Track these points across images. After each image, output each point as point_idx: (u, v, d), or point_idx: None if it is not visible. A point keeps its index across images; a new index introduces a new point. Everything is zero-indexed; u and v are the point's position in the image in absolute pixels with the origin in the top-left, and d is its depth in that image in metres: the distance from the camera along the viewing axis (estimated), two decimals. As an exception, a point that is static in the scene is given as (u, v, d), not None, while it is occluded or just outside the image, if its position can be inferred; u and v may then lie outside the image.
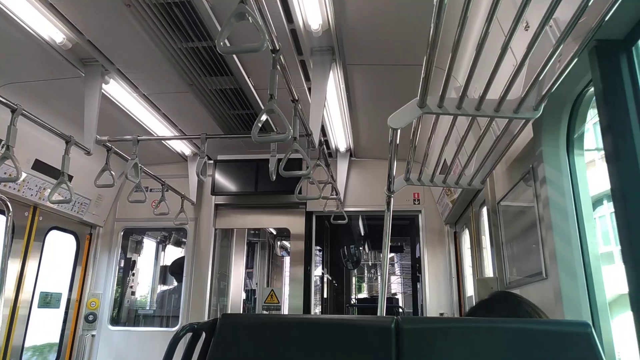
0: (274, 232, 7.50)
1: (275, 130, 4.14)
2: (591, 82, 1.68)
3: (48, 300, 4.89)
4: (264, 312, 5.02)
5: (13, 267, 4.03)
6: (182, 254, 5.86)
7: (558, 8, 1.24)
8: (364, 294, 13.67)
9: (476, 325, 1.29)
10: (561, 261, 1.85)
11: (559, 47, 1.34)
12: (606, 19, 1.25)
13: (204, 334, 1.40)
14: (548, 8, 1.24)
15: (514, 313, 1.51)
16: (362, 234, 7.89)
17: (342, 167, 4.99)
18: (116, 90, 3.54)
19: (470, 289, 4.40)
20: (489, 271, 3.55)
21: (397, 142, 2.03)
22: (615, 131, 1.46)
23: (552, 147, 1.98)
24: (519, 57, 1.48)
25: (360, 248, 8.12)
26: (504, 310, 1.53)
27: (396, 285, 12.54)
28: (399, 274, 11.97)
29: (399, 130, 1.87)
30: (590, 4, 1.17)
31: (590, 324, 1.21)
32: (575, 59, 1.38)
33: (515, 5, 1.29)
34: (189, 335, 1.40)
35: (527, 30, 1.73)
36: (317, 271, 6.05)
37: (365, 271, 12.92)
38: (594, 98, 1.74)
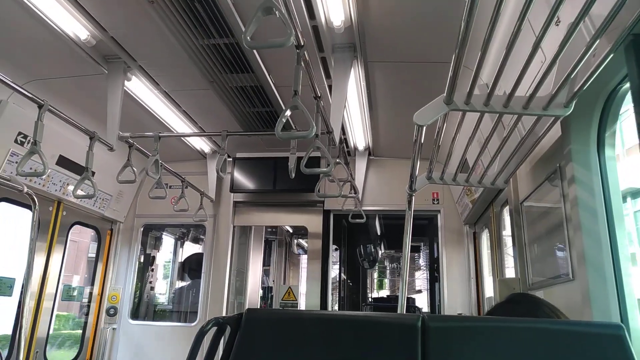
0: (291, 230, 7.51)
1: (295, 127, 4.14)
2: (625, 78, 1.63)
3: (72, 294, 4.99)
4: (282, 309, 5.03)
5: (38, 260, 4.11)
6: (200, 251, 5.92)
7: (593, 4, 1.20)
8: (385, 291, 13.47)
9: (502, 324, 1.27)
10: (590, 262, 1.80)
11: (594, 43, 1.31)
12: (644, 12, 1.21)
13: (228, 329, 1.42)
14: (584, 4, 1.21)
15: (532, 314, 1.48)
16: (379, 234, 7.85)
17: (360, 165, 4.97)
18: (138, 87, 3.58)
19: (488, 290, 4.34)
20: (509, 272, 3.50)
21: (422, 140, 2.00)
22: (652, 129, 1.41)
23: (582, 146, 1.93)
24: (549, 54, 1.45)
25: (377, 247, 8.08)
26: (522, 311, 1.51)
27: (422, 281, 12.26)
28: (424, 268, 11.63)
29: (424, 128, 1.84)
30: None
31: (623, 326, 1.18)
32: (611, 55, 1.34)
33: (548, 2, 1.26)
34: (214, 329, 1.41)
35: (557, 25, 1.69)
36: (335, 270, 6.04)
37: (387, 264, 12.65)
38: (628, 94, 1.69)
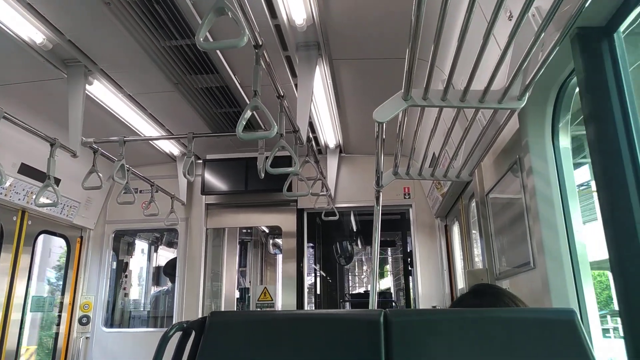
0: (267, 230, 7.48)
1: (263, 127, 4.12)
2: (574, 70, 1.68)
3: (41, 304, 4.86)
4: (258, 309, 5.01)
5: (3, 272, 3.99)
6: (175, 255, 5.84)
7: (538, -4, 1.23)
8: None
9: (464, 315, 1.30)
10: (548, 251, 1.86)
11: (540, 35, 1.34)
12: (586, 5, 1.25)
13: (193, 333, 1.40)
14: (528, -4, 1.23)
15: (494, 305, 1.52)
16: (355, 230, 7.90)
17: (332, 163, 4.99)
18: (100, 90, 3.50)
19: (461, 282, 4.42)
20: (479, 263, 3.56)
21: (384, 136, 2.02)
22: (598, 120, 1.46)
23: (538, 137, 1.98)
24: (502, 47, 1.48)
25: (353, 244, 8.12)
26: (485, 302, 1.54)
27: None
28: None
29: (384, 124, 1.86)
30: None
31: (577, 311, 1.21)
32: (557, 47, 1.38)
33: (496, -6, 1.28)
34: (179, 334, 1.39)
35: (510, 19, 1.73)
36: (310, 268, 6.05)
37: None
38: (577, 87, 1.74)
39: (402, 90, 1.73)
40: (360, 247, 9.32)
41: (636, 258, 1.31)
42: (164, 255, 6.88)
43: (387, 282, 13.60)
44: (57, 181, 4.07)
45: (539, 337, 1.20)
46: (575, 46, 1.52)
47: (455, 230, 4.53)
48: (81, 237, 5.07)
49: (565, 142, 1.94)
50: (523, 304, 1.54)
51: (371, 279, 2.87)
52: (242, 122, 1.86)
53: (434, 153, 2.85)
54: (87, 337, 4.81)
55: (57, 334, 4.78)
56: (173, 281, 5.45)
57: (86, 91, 3.28)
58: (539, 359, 1.18)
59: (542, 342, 1.18)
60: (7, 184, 3.76)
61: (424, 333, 1.26)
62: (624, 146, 1.37)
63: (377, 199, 2.75)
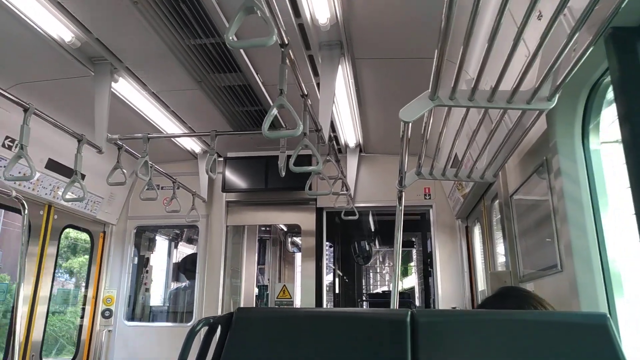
0: (285, 229, 7.51)
1: (284, 126, 4.13)
2: (607, 71, 1.64)
3: (66, 297, 4.98)
4: (277, 307, 5.04)
5: (30, 264, 4.09)
6: (195, 252, 5.91)
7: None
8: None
9: (491, 317, 1.28)
10: (577, 253, 1.82)
11: (574, 36, 1.32)
12: (622, 5, 1.23)
13: (219, 328, 1.42)
14: (562, -4, 1.21)
15: (520, 307, 1.50)
16: (373, 230, 7.88)
17: (351, 162, 4.98)
18: (125, 88, 3.56)
19: (482, 283, 4.37)
20: (501, 265, 3.52)
21: (409, 135, 2.01)
22: (633, 120, 1.43)
23: (567, 138, 1.94)
24: (532, 48, 1.46)
25: (371, 244, 8.10)
26: (510, 304, 1.52)
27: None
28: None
29: (410, 124, 1.85)
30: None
31: (608, 315, 1.19)
32: (591, 48, 1.36)
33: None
34: (205, 329, 1.41)
35: (540, 19, 1.70)
36: (328, 267, 6.05)
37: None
38: (610, 87, 1.71)
39: (429, 90, 1.72)
40: (378, 247, 9.28)
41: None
42: (184, 251, 6.97)
43: (411, 280, 13.38)
44: (82, 177, 4.16)
45: (569, 341, 1.18)
46: (609, 46, 1.49)
47: (477, 231, 4.48)
48: (104, 232, 5.17)
49: (595, 143, 1.90)
50: (551, 307, 1.52)
51: (393, 278, 2.86)
52: (268, 120, 1.87)
53: (456, 154, 2.83)
54: (109, 330, 4.90)
55: (80, 326, 4.88)
56: (189, 277, 5.52)
57: (111, 89, 3.34)
58: (568, 364, 1.17)
59: (572, 346, 1.16)
60: (35, 178, 3.85)
61: (451, 334, 1.25)
62: (661, 148, 1.34)
63: (400, 199, 2.73)
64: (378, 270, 14.21)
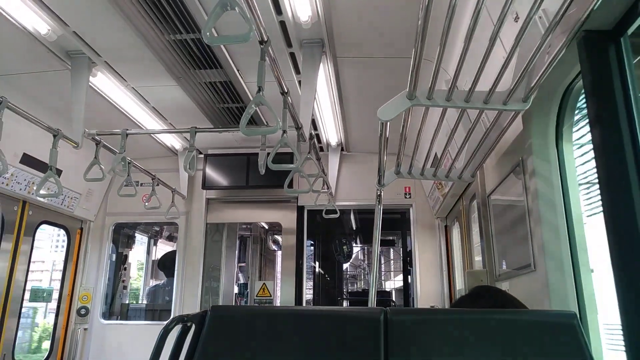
0: (266, 227, 7.49)
1: (266, 123, 4.11)
2: (580, 73, 1.67)
3: (40, 295, 4.88)
4: (256, 305, 5.02)
5: (3, 261, 4.00)
6: (170, 249, 5.85)
7: (546, -2, 1.23)
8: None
9: (463, 316, 1.30)
10: (549, 253, 1.86)
11: (547, 37, 1.34)
12: (594, 9, 1.25)
13: (193, 326, 1.40)
14: (536, -2, 1.23)
15: (493, 306, 1.52)
16: (354, 228, 7.90)
17: (333, 161, 4.98)
18: (104, 83, 3.49)
19: (460, 282, 4.43)
20: (479, 264, 3.57)
21: (387, 134, 2.02)
22: (603, 123, 1.46)
23: (542, 139, 1.98)
24: (509, 49, 1.47)
25: (352, 242, 8.13)
26: (484, 303, 1.55)
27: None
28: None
29: (388, 123, 1.86)
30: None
31: (577, 314, 1.22)
32: (564, 50, 1.38)
33: (504, -4, 1.28)
34: (179, 327, 1.40)
35: (517, 21, 1.72)
36: (309, 265, 6.05)
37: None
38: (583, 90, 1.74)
39: (407, 90, 1.72)
40: (359, 245, 9.32)
41: (638, 260, 1.31)
42: (163, 249, 6.89)
43: (393, 279, 13.47)
44: (59, 172, 4.07)
45: (538, 339, 1.20)
46: (581, 49, 1.52)
47: (456, 230, 4.53)
48: (81, 229, 5.07)
49: (568, 145, 1.93)
50: (523, 306, 1.54)
51: (370, 277, 2.88)
52: (245, 118, 1.86)
53: (436, 153, 2.85)
54: (85, 329, 4.82)
55: (55, 324, 4.79)
56: (168, 275, 5.46)
57: (89, 83, 3.28)
58: (537, 361, 1.19)
59: (541, 344, 1.19)
60: (9, 174, 3.76)
61: (424, 332, 1.26)
62: (629, 150, 1.37)
63: (379, 197, 2.75)
64: (362, 268, 14.28)
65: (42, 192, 2.96)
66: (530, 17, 1.30)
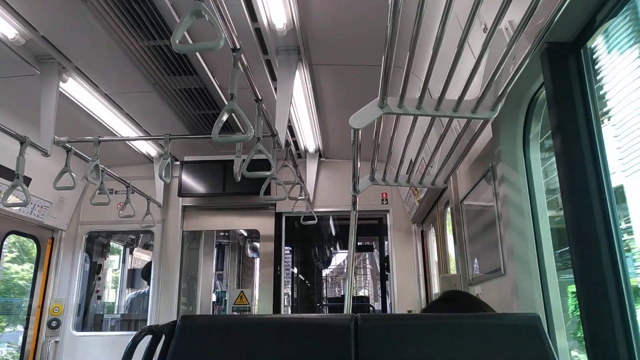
0: (245, 234, 7.44)
1: (242, 130, 4.10)
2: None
3: (8, 308, 4.72)
4: (234, 313, 4.97)
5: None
6: (150, 257, 5.75)
7: (511, 9, 1.27)
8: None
9: (432, 321, 1.32)
10: (518, 257, 1.90)
11: (511, 48, 1.38)
12: (555, 20, 1.29)
13: (163, 337, 1.38)
14: (499, 8, 1.27)
15: (463, 311, 1.55)
16: (333, 234, 7.92)
17: (311, 167, 4.99)
18: (75, 89, 3.43)
19: (437, 287, 4.47)
20: (454, 269, 3.61)
21: (360, 142, 2.04)
22: (564, 132, 1.51)
23: (510, 147, 2.03)
24: (477, 58, 1.51)
25: (331, 248, 8.14)
26: (455, 308, 1.57)
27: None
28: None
29: (360, 131, 1.88)
30: (539, 5, 1.21)
31: (542, 316, 1.25)
32: (527, 60, 1.42)
33: (471, 4, 1.31)
34: (150, 338, 1.37)
35: (485, 32, 1.77)
36: (288, 271, 6.03)
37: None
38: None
39: (378, 98, 1.75)
40: (338, 251, 9.34)
41: (598, 266, 1.35)
42: (139, 257, 6.77)
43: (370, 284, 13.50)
44: (28, 180, 3.97)
45: (505, 342, 1.23)
46: (544, 60, 1.57)
47: (432, 236, 4.59)
48: (52, 238, 4.95)
49: (535, 152, 1.99)
50: (491, 309, 1.57)
51: (347, 283, 2.89)
52: (218, 125, 1.85)
53: (410, 160, 2.89)
54: (56, 341, 4.69)
55: (25, 337, 4.64)
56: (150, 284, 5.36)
57: (60, 89, 3.21)
58: (505, 363, 1.21)
59: (508, 346, 1.21)
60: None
61: (394, 338, 1.28)
62: (588, 158, 1.42)
63: (354, 204, 2.77)
64: (341, 275, 14.31)
65: (9, 200, 2.88)
66: (495, 26, 1.34)
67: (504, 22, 1.45)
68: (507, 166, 2.02)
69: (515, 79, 1.52)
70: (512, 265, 1.93)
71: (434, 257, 4.54)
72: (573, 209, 1.43)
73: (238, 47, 1.91)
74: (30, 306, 4.70)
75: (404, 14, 1.33)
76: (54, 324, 4.69)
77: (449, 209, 3.56)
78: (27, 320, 4.68)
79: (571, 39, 1.54)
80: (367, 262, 12.58)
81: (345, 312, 2.86)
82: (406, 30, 1.42)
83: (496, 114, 1.74)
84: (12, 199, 2.93)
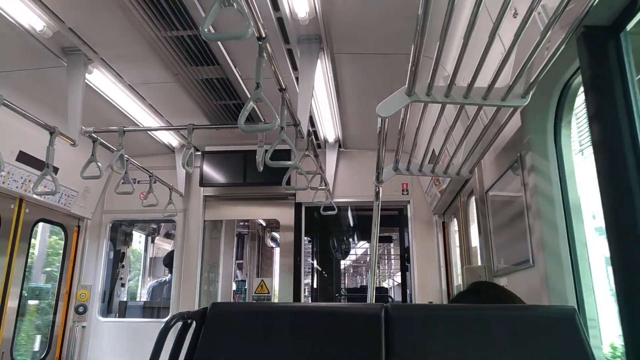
0: (264, 224, 7.48)
1: (263, 120, 4.10)
2: (579, 69, 1.68)
3: (37, 293, 4.86)
4: (254, 302, 5.02)
5: (0, 260, 3.98)
6: (171, 246, 5.83)
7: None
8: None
9: (463, 312, 1.30)
10: (548, 248, 1.86)
11: (547, 34, 1.34)
12: (594, 4, 1.25)
13: (194, 323, 1.40)
14: (536, -6, 1.23)
15: (492, 301, 1.52)
16: (352, 225, 7.91)
17: (331, 158, 4.98)
18: (100, 80, 3.47)
19: (458, 278, 4.44)
20: (477, 260, 3.58)
21: (386, 131, 2.02)
22: (602, 119, 1.46)
23: (540, 135, 1.98)
24: (507, 45, 1.47)
25: (349, 239, 8.14)
26: (483, 299, 1.55)
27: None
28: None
29: (387, 120, 1.86)
30: (577, -11, 1.17)
31: (576, 309, 1.22)
32: (563, 46, 1.38)
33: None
34: (180, 324, 1.40)
35: (515, 17, 1.72)
36: (307, 262, 6.06)
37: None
38: (582, 86, 1.74)
39: (406, 86, 1.72)
40: (357, 241, 9.34)
41: (638, 257, 1.31)
42: (161, 246, 6.88)
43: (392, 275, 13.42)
44: (56, 170, 4.05)
45: (538, 334, 1.20)
46: (581, 45, 1.52)
47: (453, 227, 4.54)
48: (78, 227, 5.06)
49: (567, 140, 1.94)
50: (521, 301, 1.55)
51: (370, 273, 2.88)
52: (244, 114, 1.85)
53: (434, 150, 2.85)
54: (83, 326, 4.81)
55: (53, 322, 4.78)
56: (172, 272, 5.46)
57: (86, 80, 3.26)
58: (537, 356, 1.19)
59: (541, 339, 1.19)
60: (5, 172, 3.74)
61: (424, 328, 1.27)
62: (628, 146, 1.37)
63: (377, 194, 2.75)
64: (361, 265, 14.31)
65: (38, 189, 2.94)
66: (529, 13, 1.30)
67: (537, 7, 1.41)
68: (537, 155, 1.97)
69: (549, 66, 1.48)
70: (541, 256, 1.89)
71: (455, 248, 4.50)
72: (612, 202, 1.39)
73: (264, 35, 1.90)
74: (58, 292, 4.83)
75: (433, 2, 1.30)
76: (81, 309, 4.82)
77: (472, 199, 3.52)
78: (56, 305, 4.81)
79: (610, 22, 1.49)
80: (392, 252, 12.54)
81: (368, 302, 2.86)
82: (433, 19, 1.39)
83: (527, 102, 1.70)
84: (40, 188, 3.00)
